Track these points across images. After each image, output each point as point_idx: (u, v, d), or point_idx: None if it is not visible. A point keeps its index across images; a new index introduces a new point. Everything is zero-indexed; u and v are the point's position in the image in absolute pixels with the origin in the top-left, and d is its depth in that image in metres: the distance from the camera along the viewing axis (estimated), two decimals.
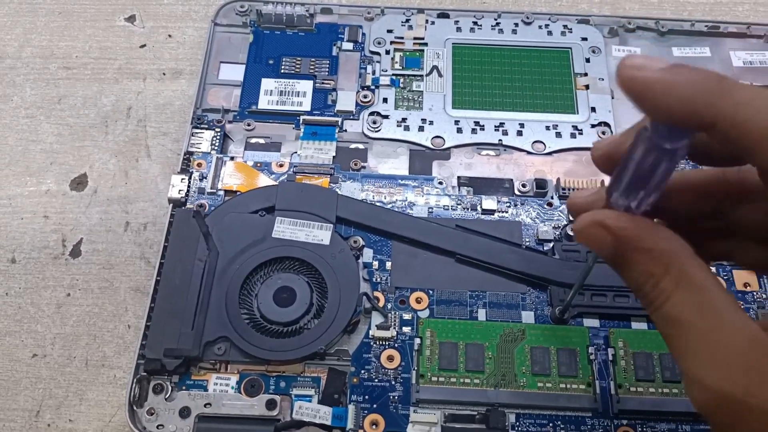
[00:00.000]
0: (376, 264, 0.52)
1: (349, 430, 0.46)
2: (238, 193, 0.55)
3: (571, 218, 0.36)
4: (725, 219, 0.34)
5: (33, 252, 0.57)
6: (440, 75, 0.63)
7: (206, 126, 0.59)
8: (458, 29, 0.65)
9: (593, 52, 0.64)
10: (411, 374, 0.48)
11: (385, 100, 0.61)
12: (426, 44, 0.65)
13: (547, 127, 0.59)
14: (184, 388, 0.48)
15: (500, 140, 0.59)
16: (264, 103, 0.61)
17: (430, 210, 0.55)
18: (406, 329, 0.50)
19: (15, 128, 0.64)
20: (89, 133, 0.63)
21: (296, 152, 0.58)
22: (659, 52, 0.65)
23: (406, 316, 0.50)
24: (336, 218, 0.53)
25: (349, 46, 0.64)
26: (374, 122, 0.60)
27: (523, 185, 0.56)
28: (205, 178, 0.56)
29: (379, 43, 0.64)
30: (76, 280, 0.56)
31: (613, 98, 0.61)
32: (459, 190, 0.56)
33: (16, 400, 0.51)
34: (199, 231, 0.50)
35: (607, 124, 0.60)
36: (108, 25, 0.70)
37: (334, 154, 0.58)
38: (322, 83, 0.62)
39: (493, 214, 0.55)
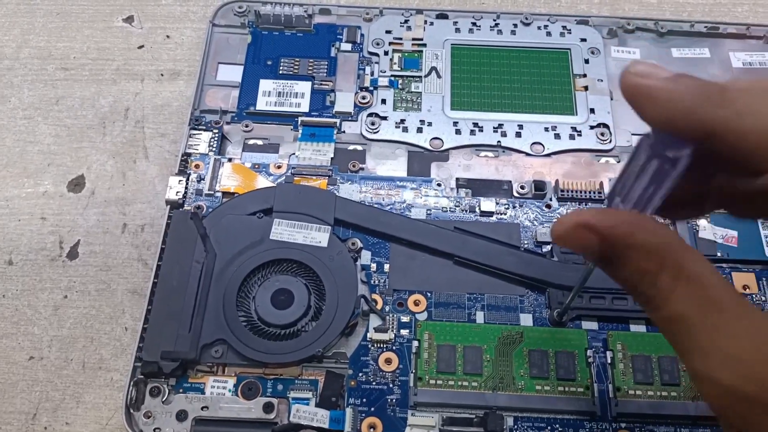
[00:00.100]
0: (374, 266, 0.52)
1: None
2: (236, 194, 0.55)
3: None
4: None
5: (30, 254, 0.57)
6: (439, 76, 0.62)
7: (204, 127, 0.59)
8: (457, 30, 0.65)
9: (592, 53, 0.64)
10: (409, 377, 0.48)
11: (383, 101, 0.61)
12: (425, 45, 0.64)
13: (546, 129, 0.59)
14: (181, 391, 0.47)
15: (499, 142, 0.59)
16: (262, 104, 0.61)
17: (429, 212, 0.55)
18: (404, 332, 0.49)
19: (12, 129, 0.63)
20: (87, 134, 0.63)
21: (294, 154, 0.58)
22: (658, 53, 0.64)
23: (404, 319, 0.50)
24: (334, 220, 0.53)
25: (347, 47, 0.64)
26: (373, 123, 0.60)
27: (522, 187, 0.56)
28: (203, 179, 0.56)
29: (378, 44, 0.64)
30: (73, 282, 0.56)
31: (612, 99, 0.61)
32: (457, 191, 0.56)
33: (12, 402, 0.51)
34: (196, 233, 0.50)
35: (606, 126, 0.59)
36: (106, 26, 0.70)
37: (332, 155, 0.58)
38: (321, 84, 0.62)
39: (491, 216, 0.55)
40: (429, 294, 0.51)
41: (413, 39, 0.65)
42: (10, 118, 0.64)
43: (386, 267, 0.52)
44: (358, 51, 0.64)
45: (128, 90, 0.66)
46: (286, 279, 0.50)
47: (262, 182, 0.56)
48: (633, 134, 0.59)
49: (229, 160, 0.57)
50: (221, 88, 0.62)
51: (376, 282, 0.51)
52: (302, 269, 0.51)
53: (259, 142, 0.59)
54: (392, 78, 0.62)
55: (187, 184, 0.55)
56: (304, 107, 0.61)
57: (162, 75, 0.67)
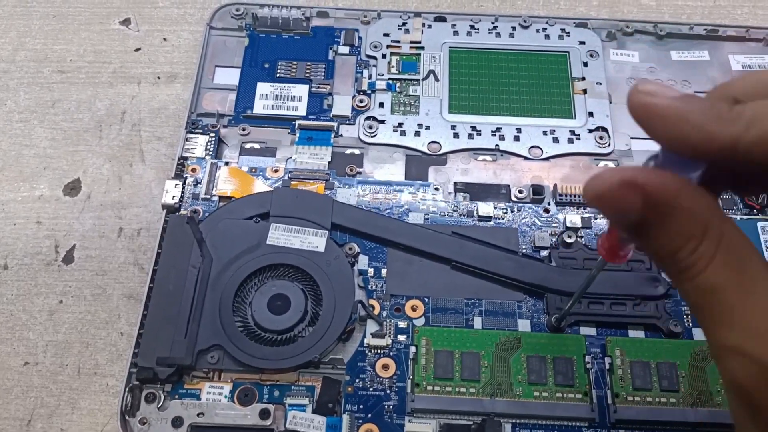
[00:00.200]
0: (371, 271, 0.52)
1: None
2: (233, 199, 0.54)
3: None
4: None
5: (25, 258, 0.57)
6: (437, 79, 0.62)
7: (201, 131, 0.59)
8: (455, 33, 0.65)
9: (591, 56, 0.63)
10: (406, 383, 0.47)
11: (381, 104, 0.61)
12: (423, 48, 0.64)
13: (545, 132, 0.59)
14: (176, 397, 0.47)
15: (497, 145, 0.58)
16: (259, 107, 0.60)
17: (427, 216, 0.54)
18: (401, 337, 0.49)
19: (8, 133, 0.63)
20: (83, 137, 0.63)
21: (291, 157, 0.58)
22: (657, 55, 0.64)
23: (402, 324, 0.50)
24: (331, 225, 0.52)
25: (345, 50, 0.64)
26: (370, 127, 0.59)
27: (520, 191, 0.56)
28: (200, 183, 0.55)
29: (376, 47, 0.64)
30: (68, 286, 0.55)
31: (611, 103, 0.61)
32: (455, 196, 0.56)
33: (7, 408, 0.50)
34: (192, 237, 0.50)
35: (604, 129, 0.59)
36: (103, 29, 0.70)
37: (329, 159, 0.58)
38: (318, 87, 0.62)
39: (489, 221, 0.54)
40: (427, 299, 0.51)
41: (411, 42, 0.64)
42: (6, 122, 0.64)
43: (384, 272, 0.52)
44: (356, 54, 0.64)
45: (125, 93, 0.65)
46: (282, 284, 0.50)
47: (259, 186, 0.55)
48: (632, 138, 0.59)
49: (226, 163, 0.57)
50: (218, 91, 0.62)
51: (374, 287, 0.51)
52: (299, 274, 0.50)
53: (256, 146, 0.59)
54: (390, 81, 0.62)
55: (183, 188, 0.55)
56: (302, 111, 0.60)
57: (159, 78, 0.66)
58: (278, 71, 0.63)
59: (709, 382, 0.46)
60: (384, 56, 0.64)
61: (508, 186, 0.57)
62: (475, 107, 0.60)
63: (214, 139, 0.58)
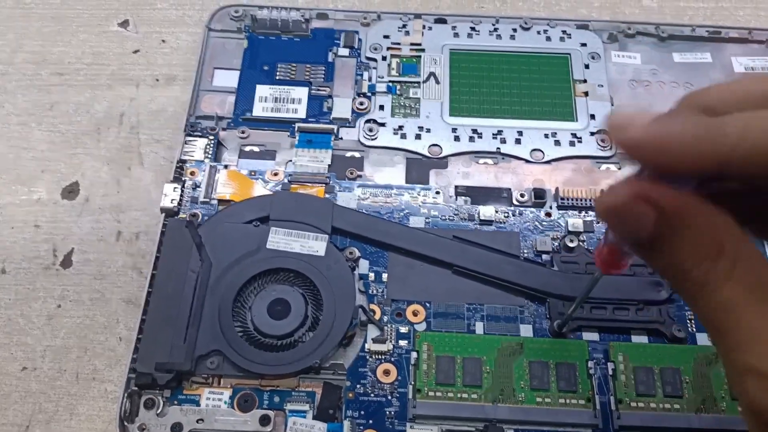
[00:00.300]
0: (372, 276, 0.51)
1: None
2: (232, 202, 0.54)
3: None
4: None
5: (23, 262, 0.56)
6: (437, 82, 0.62)
7: (200, 133, 0.58)
8: (456, 35, 0.64)
9: (593, 58, 0.63)
10: (408, 389, 0.47)
11: (381, 107, 0.60)
12: (423, 50, 0.64)
13: (546, 135, 0.58)
14: (176, 402, 0.47)
15: (498, 148, 0.58)
16: (259, 110, 0.60)
17: (427, 220, 0.54)
18: (402, 343, 0.49)
19: (6, 135, 0.63)
20: (81, 140, 0.62)
21: (291, 161, 0.57)
22: (660, 57, 0.64)
23: (403, 330, 0.49)
24: (332, 229, 0.52)
25: (345, 52, 0.64)
26: (370, 130, 0.59)
27: (522, 195, 0.55)
28: (199, 187, 0.55)
29: (376, 49, 0.64)
30: (67, 291, 0.55)
31: (612, 105, 0.60)
32: (456, 199, 0.56)
33: (5, 414, 0.50)
34: (191, 241, 0.50)
35: (606, 132, 0.58)
36: (101, 31, 0.69)
37: (329, 162, 0.57)
38: (318, 90, 0.61)
39: (491, 225, 0.54)
40: (428, 304, 0.50)
41: (411, 44, 0.64)
42: (4, 124, 0.63)
43: (384, 276, 0.51)
44: (356, 56, 0.63)
45: (123, 95, 0.65)
46: (282, 289, 0.50)
47: (259, 190, 0.55)
48: None
49: (225, 167, 0.56)
50: (217, 94, 0.61)
51: (375, 292, 0.51)
52: (299, 279, 0.50)
53: (256, 149, 0.58)
54: (390, 84, 0.62)
55: (182, 191, 0.54)
56: (301, 113, 0.60)
57: (157, 80, 0.66)
58: (278, 73, 0.62)
59: (713, 388, 0.46)
60: (384, 58, 0.63)
61: (510, 189, 0.56)
62: (476, 110, 0.60)
63: (213, 142, 0.58)
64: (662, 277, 0.28)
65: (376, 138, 0.59)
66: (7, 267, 0.56)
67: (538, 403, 0.46)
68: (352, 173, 0.57)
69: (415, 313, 0.50)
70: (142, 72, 0.67)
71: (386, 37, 0.64)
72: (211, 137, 0.58)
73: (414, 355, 0.48)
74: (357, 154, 0.58)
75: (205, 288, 0.49)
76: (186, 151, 0.57)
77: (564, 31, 0.65)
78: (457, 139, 0.58)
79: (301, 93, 0.61)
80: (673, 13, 0.71)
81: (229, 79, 0.62)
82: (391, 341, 0.49)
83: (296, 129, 0.59)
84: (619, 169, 0.57)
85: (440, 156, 0.58)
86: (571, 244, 0.52)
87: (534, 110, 0.60)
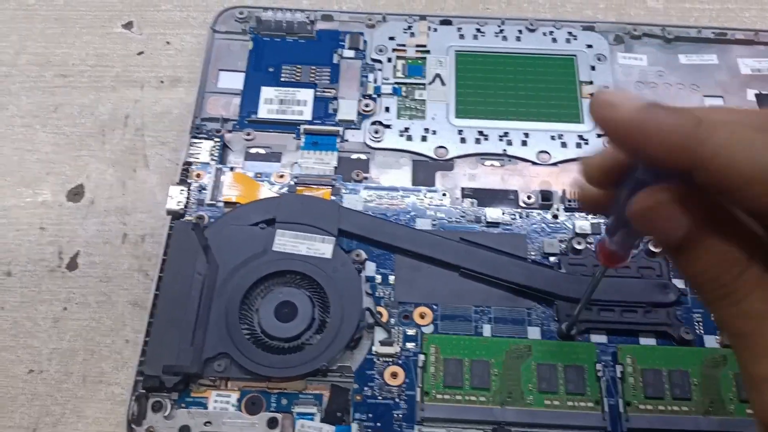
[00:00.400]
0: (379, 278, 0.51)
1: None
2: (238, 204, 0.54)
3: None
4: None
5: (29, 265, 0.56)
6: (443, 83, 0.62)
7: (205, 136, 0.58)
8: (461, 36, 0.64)
9: (598, 59, 0.63)
10: (415, 391, 0.47)
11: (387, 109, 0.60)
12: (428, 52, 0.64)
13: (552, 137, 0.58)
14: (183, 405, 0.47)
15: (504, 150, 0.58)
16: (264, 112, 0.60)
17: (434, 222, 0.54)
18: (410, 345, 0.49)
19: (10, 137, 0.63)
20: (86, 142, 0.62)
21: (297, 163, 0.57)
22: (666, 59, 0.63)
23: (410, 332, 0.49)
24: (338, 231, 0.52)
25: (350, 53, 0.63)
26: (376, 132, 0.59)
27: (528, 197, 0.55)
28: (205, 189, 0.55)
29: (381, 51, 0.63)
30: (72, 293, 0.55)
31: None
32: (463, 201, 0.55)
33: (12, 417, 0.50)
34: (198, 244, 0.49)
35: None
36: (105, 32, 0.69)
37: (335, 164, 0.57)
38: (323, 92, 0.61)
39: (497, 227, 0.54)
40: (435, 306, 0.50)
41: (417, 45, 0.64)
42: (8, 126, 0.63)
43: (391, 279, 0.51)
44: (361, 58, 0.63)
45: (128, 97, 0.65)
46: (289, 291, 0.49)
47: (265, 192, 0.55)
48: None
49: (231, 169, 0.56)
50: (222, 96, 0.61)
51: (381, 294, 0.51)
52: (306, 281, 0.50)
53: (261, 151, 0.58)
54: (396, 85, 0.62)
55: (188, 193, 0.54)
56: (307, 115, 0.60)
57: (162, 82, 0.66)
58: (283, 75, 0.62)
59: (721, 390, 0.46)
60: (389, 60, 0.63)
61: (516, 191, 0.56)
62: (482, 111, 0.60)
63: (218, 144, 0.58)
64: (686, 278, 0.28)
65: (381, 140, 0.59)
66: (12, 270, 0.56)
67: (547, 405, 0.46)
68: (358, 175, 0.57)
69: (422, 316, 0.50)
70: (146, 74, 0.67)
71: (391, 38, 0.64)
72: (217, 139, 0.58)
73: (421, 357, 0.48)
74: (363, 156, 0.58)
75: (211, 290, 0.49)
76: (191, 153, 0.57)
77: (570, 33, 0.64)
78: (463, 140, 0.58)
79: (307, 95, 0.61)
80: (678, 14, 0.71)
81: (234, 80, 0.62)
82: (398, 344, 0.49)
83: (302, 131, 0.59)
84: None
85: (446, 158, 0.58)
86: (578, 246, 0.52)
87: (540, 112, 0.60)
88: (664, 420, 0.45)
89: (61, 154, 0.62)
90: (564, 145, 0.58)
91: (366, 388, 0.47)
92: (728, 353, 0.47)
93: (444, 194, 0.55)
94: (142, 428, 0.46)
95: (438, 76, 0.62)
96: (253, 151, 0.58)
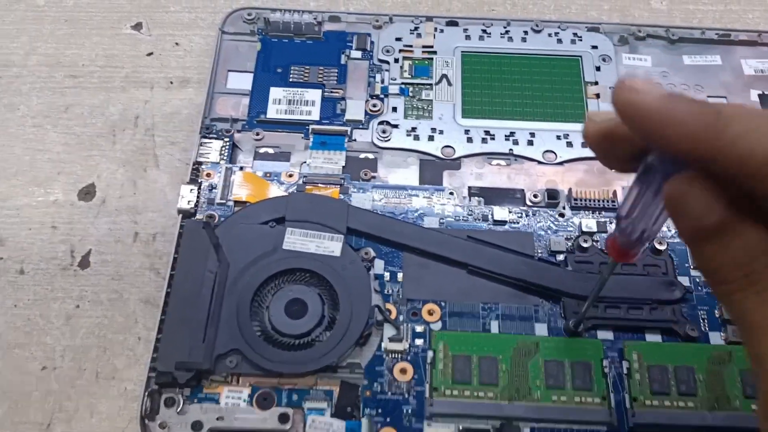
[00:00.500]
0: (387, 275, 0.52)
1: None
2: (248, 203, 0.55)
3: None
4: None
5: (41, 263, 0.57)
6: (449, 84, 0.62)
7: (215, 136, 0.59)
8: (467, 37, 0.65)
9: (603, 60, 0.63)
10: (424, 387, 0.47)
11: (394, 109, 0.61)
12: (435, 52, 0.64)
13: (558, 137, 0.59)
14: (195, 401, 0.47)
15: (511, 150, 0.59)
16: (273, 112, 0.60)
17: (442, 221, 0.55)
18: (418, 342, 0.49)
19: (21, 137, 0.63)
20: (96, 142, 0.63)
21: (306, 162, 0.58)
22: (670, 60, 0.64)
23: (419, 329, 0.50)
24: (347, 229, 0.53)
25: (357, 54, 0.64)
26: (384, 131, 0.59)
27: (535, 195, 0.56)
28: (215, 188, 0.55)
29: (388, 51, 0.64)
30: (85, 291, 0.55)
31: None
32: (470, 200, 0.56)
33: (26, 413, 0.51)
34: (209, 242, 0.50)
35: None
36: (114, 33, 0.70)
37: (343, 163, 0.58)
38: (331, 92, 0.62)
39: (504, 225, 0.55)
40: (443, 304, 0.51)
41: (423, 46, 0.65)
42: (19, 126, 0.64)
43: (400, 276, 0.52)
44: (368, 59, 0.64)
45: (138, 98, 0.66)
46: (299, 288, 0.50)
47: (274, 191, 0.55)
48: None
49: (241, 168, 0.57)
50: (231, 96, 0.62)
51: (390, 291, 0.51)
52: (316, 279, 0.51)
53: (270, 151, 0.59)
54: (403, 86, 0.62)
55: (198, 193, 0.55)
56: (315, 115, 0.60)
57: (171, 82, 0.67)
58: (291, 76, 0.63)
59: (726, 386, 0.47)
60: (396, 61, 0.64)
61: (523, 190, 0.57)
62: (488, 111, 0.61)
63: (228, 144, 0.58)
64: (710, 268, 0.28)
65: (389, 139, 0.59)
66: (25, 268, 0.56)
67: (554, 401, 0.46)
68: (366, 174, 0.57)
69: (430, 313, 0.50)
70: (155, 74, 0.67)
71: (398, 39, 0.65)
72: (226, 139, 0.59)
73: (430, 354, 0.48)
74: (371, 156, 0.59)
75: (223, 288, 0.50)
76: (201, 153, 0.58)
77: (575, 34, 0.65)
78: (469, 140, 0.59)
79: (315, 95, 0.62)
80: (682, 15, 0.72)
81: (242, 81, 0.63)
82: (407, 340, 0.49)
83: (310, 131, 0.59)
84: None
85: (453, 157, 0.58)
86: (585, 245, 0.53)
87: (546, 112, 0.60)
88: (669, 415, 0.46)
89: (72, 153, 0.62)
90: (569, 144, 0.59)
91: (375, 384, 0.48)
92: (733, 350, 0.48)
93: (451, 193, 0.56)
94: (155, 423, 0.46)
95: (444, 76, 0.63)
96: (262, 150, 0.59)
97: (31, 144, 0.63)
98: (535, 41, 0.65)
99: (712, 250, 0.28)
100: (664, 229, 0.53)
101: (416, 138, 0.59)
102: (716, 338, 0.49)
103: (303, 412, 0.47)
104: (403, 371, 0.48)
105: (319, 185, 0.56)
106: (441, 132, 0.60)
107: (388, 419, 0.47)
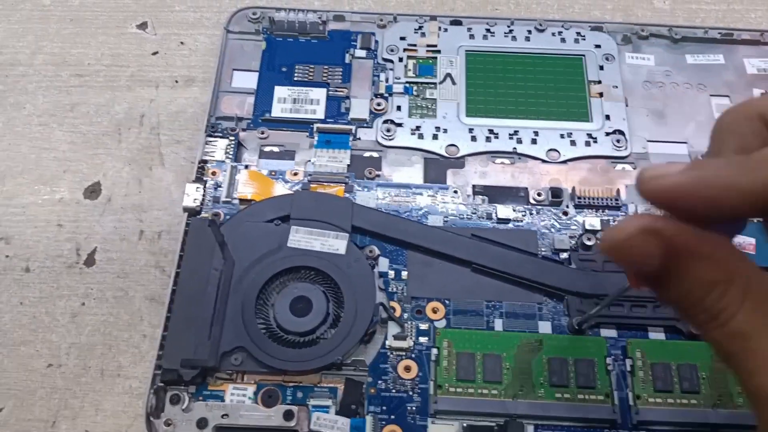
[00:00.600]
0: (392, 273, 0.52)
1: None
2: (253, 202, 0.55)
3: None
4: None
5: (47, 261, 0.57)
6: (453, 82, 0.62)
7: (220, 134, 0.59)
8: (471, 36, 0.65)
9: (607, 59, 0.64)
10: (429, 385, 0.48)
11: (398, 107, 0.61)
12: (439, 51, 0.64)
13: (562, 135, 0.59)
14: (201, 398, 0.47)
15: (514, 148, 0.59)
16: (277, 111, 0.61)
17: (446, 219, 0.55)
18: (422, 339, 0.50)
19: (28, 136, 0.64)
20: (102, 141, 0.63)
21: (310, 161, 0.58)
22: (673, 59, 0.64)
23: (423, 326, 0.50)
24: (351, 227, 0.53)
25: (362, 53, 0.64)
26: (388, 130, 0.60)
27: (539, 194, 0.56)
28: (220, 186, 0.56)
29: (392, 51, 0.64)
30: (90, 289, 0.56)
31: (627, 106, 0.61)
32: (474, 198, 0.56)
33: (31, 410, 0.51)
34: (214, 240, 0.50)
35: (621, 132, 0.59)
36: (120, 32, 0.70)
37: (348, 162, 0.58)
38: (336, 91, 0.62)
39: (508, 223, 0.55)
40: (447, 301, 0.51)
41: (427, 45, 0.65)
42: (26, 125, 0.64)
43: (404, 274, 0.52)
44: (373, 58, 0.64)
45: (143, 96, 0.66)
46: (304, 286, 0.50)
47: (279, 189, 0.56)
48: (648, 141, 0.59)
49: (246, 167, 0.57)
50: (236, 95, 0.62)
51: (394, 289, 0.52)
52: (320, 277, 0.51)
53: (275, 149, 0.59)
54: (407, 85, 0.62)
55: (204, 191, 0.55)
56: (320, 114, 0.61)
57: (177, 81, 0.67)
58: (296, 75, 0.63)
59: (729, 384, 0.47)
60: (401, 60, 0.64)
61: (527, 189, 0.57)
62: (492, 110, 0.61)
63: (233, 142, 0.59)
64: (673, 308, 0.28)
65: (393, 138, 0.59)
66: (31, 266, 0.57)
67: (558, 398, 0.47)
68: (370, 173, 0.57)
69: (434, 311, 0.51)
70: (161, 73, 0.68)
71: (402, 38, 0.65)
72: (232, 138, 0.59)
73: (434, 351, 0.48)
74: (375, 154, 0.59)
75: (228, 286, 0.50)
76: (207, 152, 0.58)
77: (578, 33, 0.65)
78: (473, 139, 0.59)
79: (319, 94, 0.62)
80: (685, 15, 0.72)
81: (247, 80, 0.63)
82: (411, 338, 0.50)
83: (315, 129, 0.60)
84: (634, 168, 0.58)
85: (457, 156, 0.59)
86: (588, 243, 0.53)
87: (550, 111, 0.61)
88: (673, 413, 0.46)
89: (77, 152, 0.62)
90: (573, 143, 0.59)
91: (380, 382, 0.48)
92: None
93: (455, 191, 0.56)
94: (160, 420, 0.46)
95: (449, 75, 0.63)
96: (267, 149, 0.59)
97: (37, 142, 0.63)
98: (538, 40, 0.65)
99: (663, 293, 0.28)
100: None
101: (420, 137, 0.60)
102: None
103: (308, 409, 0.47)
104: (408, 369, 0.48)
105: (324, 183, 0.56)
106: (445, 131, 0.60)
107: (392, 416, 0.47)
